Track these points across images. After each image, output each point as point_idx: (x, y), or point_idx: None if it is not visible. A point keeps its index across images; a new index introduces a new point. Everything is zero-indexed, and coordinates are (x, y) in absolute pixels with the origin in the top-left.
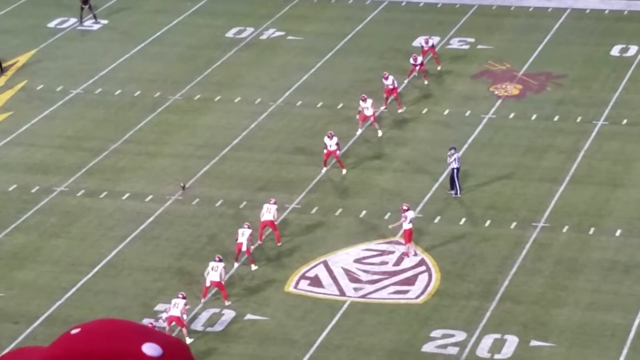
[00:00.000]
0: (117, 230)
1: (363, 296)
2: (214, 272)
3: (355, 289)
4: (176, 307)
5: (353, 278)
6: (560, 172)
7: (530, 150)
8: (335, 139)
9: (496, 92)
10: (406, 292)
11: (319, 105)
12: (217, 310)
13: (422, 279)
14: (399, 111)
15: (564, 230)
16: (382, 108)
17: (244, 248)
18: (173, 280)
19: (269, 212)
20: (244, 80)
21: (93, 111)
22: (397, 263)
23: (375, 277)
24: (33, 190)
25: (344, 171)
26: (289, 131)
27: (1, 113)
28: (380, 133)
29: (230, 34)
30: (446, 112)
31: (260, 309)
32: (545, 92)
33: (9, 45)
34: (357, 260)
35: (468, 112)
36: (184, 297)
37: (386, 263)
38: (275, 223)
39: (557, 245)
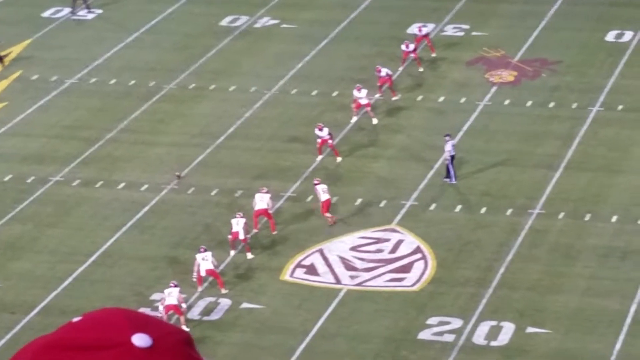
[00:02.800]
0: (113, 219)
1: (359, 284)
2: (206, 261)
3: (351, 277)
4: (171, 295)
5: (349, 266)
6: (556, 158)
7: (526, 137)
8: (326, 130)
9: (491, 79)
10: (402, 279)
11: (314, 93)
12: (213, 299)
13: (418, 267)
14: (393, 99)
15: (560, 216)
16: (377, 95)
17: (241, 236)
18: (169, 269)
19: (262, 201)
20: (239, 68)
21: (88, 101)
22: (393, 251)
23: (371, 264)
24: (29, 180)
25: (339, 159)
26: (284, 119)
27: None
28: (375, 121)
29: (224, 22)
30: (441, 99)
31: (256, 298)
32: (541, 79)
33: (4, 35)
34: (353, 248)
35: (463, 99)
36: (176, 285)
37: (382, 251)
38: (270, 212)
39: (553, 231)
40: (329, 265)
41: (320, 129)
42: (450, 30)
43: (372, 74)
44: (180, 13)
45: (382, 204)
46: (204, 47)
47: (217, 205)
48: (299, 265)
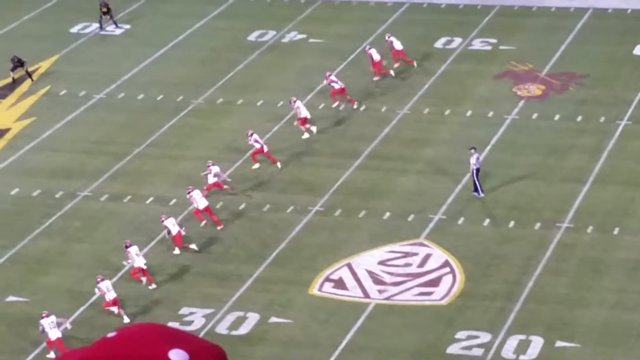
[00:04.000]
0: (141, 234)
1: (387, 298)
2: (139, 257)
3: (380, 291)
4: (109, 291)
5: (377, 280)
6: (583, 172)
7: (554, 151)
8: (254, 137)
9: (519, 93)
10: (430, 293)
11: (342, 107)
12: (241, 313)
13: (447, 281)
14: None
15: (588, 230)
16: (334, 104)
17: (174, 232)
18: (197, 283)
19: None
20: (266, 83)
21: (116, 116)
22: (421, 265)
23: (400, 278)
24: (57, 195)
25: (279, 165)
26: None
27: (25, 118)
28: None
29: (252, 37)
30: (469, 113)
31: (284, 312)
32: (568, 92)
33: (32, 50)
34: (381, 262)
35: (491, 113)
36: (102, 279)
37: (410, 265)
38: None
39: (582, 245)
40: (357, 279)
41: (250, 135)
42: (477, 44)
43: (399, 87)
44: (208, 28)
45: (410, 218)
46: (231, 61)
47: (245, 219)
48: (327, 279)
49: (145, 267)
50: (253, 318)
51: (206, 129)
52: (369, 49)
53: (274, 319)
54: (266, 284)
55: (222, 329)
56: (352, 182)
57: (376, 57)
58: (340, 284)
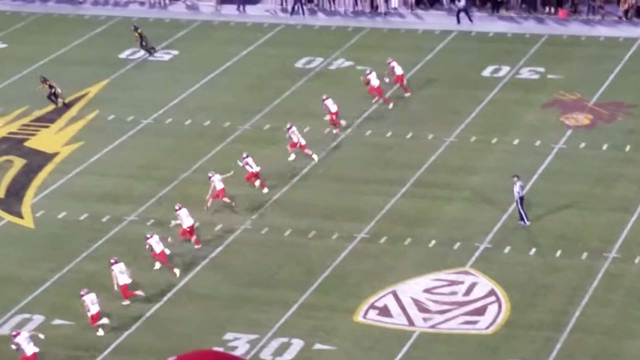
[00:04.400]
0: (187, 258)
1: (432, 326)
2: (123, 274)
3: (425, 319)
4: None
5: (422, 308)
6: (631, 202)
7: (601, 180)
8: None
9: (567, 122)
10: (476, 322)
11: (389, 134)
12: (285, 339)
13: (492, 309)
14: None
15: (636, 260)
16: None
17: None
18: (242, 308)
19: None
20: (313, 109)
21: (163, 141)
22: (467, 293)
23: (445, 307)
24: (104, 220)
25: (265, 190)
26: (359, 160)
27: (73, 143)
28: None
29: (299, 64)
30: (516, 141)
31: (328, 339)
32: (617, 122)
33: (81, 75)
34: (427, 290)
35: (538, 142)
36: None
37: (456, 293)
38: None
39: (629, 275)
40: (402, 307)
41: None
42: (525, 73)
43: (444, 115)
44: (255, 55)
45: (455, 246)
46: (278, 88)
47: (291, 245)
48: (372, 307)
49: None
50: (297, 344)
51: (253, 155)
52: (369, 73)
53: (318, 346)
54: (311, 311)
55: (266, 354)
56: (398, 209)
57: (375, 82)
58: (385, 311)
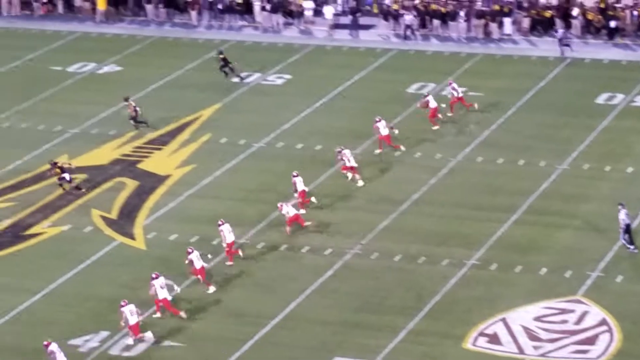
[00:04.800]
0: (297, 282)
1: (543, 355)
2: (163, 289)
3: (535, 347)
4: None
5: (532, 336)
6: None
7: None
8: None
9: None
10: (587, 351)
11: (500, 161)
12: None
13: (604, 339)
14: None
15: None
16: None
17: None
18: (351, 334)
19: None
20: (425, 136)
21: (275, 164)
22: (578, 322)
23: (555, 335)
24: (214, 242)
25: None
26: (469, 187)
27: (185, 165)
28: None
29: (411, 89)
30: (630, 169)
31: None
32: None
33: (194, 99)
34: (537, 318)
35: None
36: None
37: (566, 322)
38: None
39: None
40: (512, 335)
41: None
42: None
43: (557, 143)
44: (368, 80)
45: (567, 274)
46: (390, 113)
47: (400, 270)
48: (481, 334)
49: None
50: None
51: (368, 180)
52: (427, 95)
53: None
54: (420, 337)
55: None
56: (509, 236)
57: (433, 104)
58: (494, 339)
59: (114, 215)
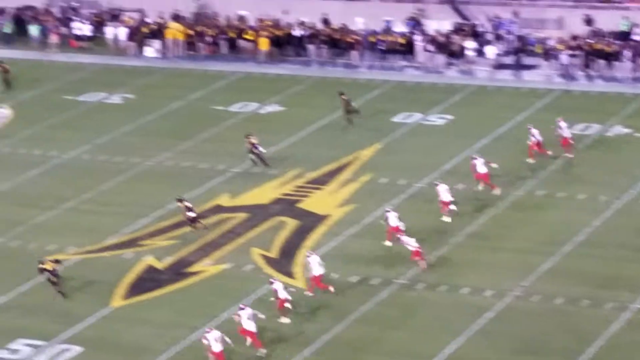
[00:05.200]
0: (456, 324)
1: None
2: (250, 320)
3: None
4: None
5: None
6: None
7: None
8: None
9: None
10: None
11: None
12: None
13: None
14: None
15: None
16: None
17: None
18: None
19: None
20: (588, 177)
21: (435, 205)
22: None
23: None
24: (372, 282)
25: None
26: (633, 228)
27: (346, 205)
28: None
29: (575, 130)
30: None
31: None
32: None
33: (355, 138)
34: None
35: None
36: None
37: None
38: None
39: None
40: None
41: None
42: None
43: None
44: (530, 120)
45: None
46: (552, 155)
47: (562, 313)
48: None
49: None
50: None
51: (526, 221)
52: (531, 128)
53: None
54: None
55: None
56: None
57: (538, 137)
58: None
59: (274, 254)
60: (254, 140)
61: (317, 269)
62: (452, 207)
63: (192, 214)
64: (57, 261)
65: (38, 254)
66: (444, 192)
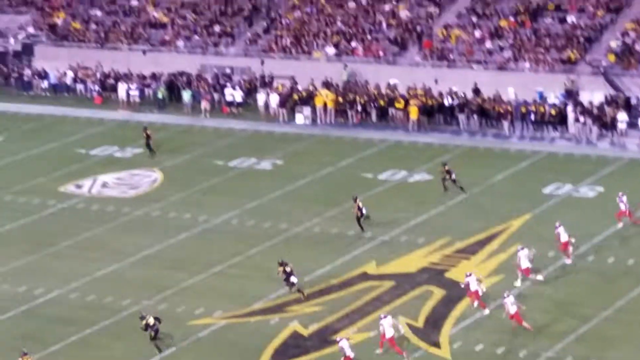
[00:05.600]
0: None
1: None
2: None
3: None
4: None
5: None
6: None
7: None
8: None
9: None
10: None
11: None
12: None
13: None
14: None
15: None
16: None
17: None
18: None
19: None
20: None
21: (585, 277)
22: None
23: None
24: (521, 354)
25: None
26: None
27: (493, 276)
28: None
29: None
30: None
31: None
32: None
33: (505, 208)
34: None
35: None
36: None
37: None
38: None
39: None
40: None
41: None
42: None
43: None
44: None
45: None
46: None
47: None
48: None
49: None
50: None
51: None
52: (622, 195)
53: None
54: None
55: None
56: None
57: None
58: None
59: (420, 323)
60: (360, 204)
61: (389, 332)
62: (539, 276)
63: (293, 279)
64: (157, 319)
65: (186, 318)
66: (523, 258)
